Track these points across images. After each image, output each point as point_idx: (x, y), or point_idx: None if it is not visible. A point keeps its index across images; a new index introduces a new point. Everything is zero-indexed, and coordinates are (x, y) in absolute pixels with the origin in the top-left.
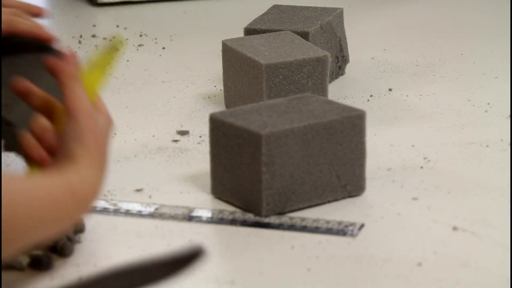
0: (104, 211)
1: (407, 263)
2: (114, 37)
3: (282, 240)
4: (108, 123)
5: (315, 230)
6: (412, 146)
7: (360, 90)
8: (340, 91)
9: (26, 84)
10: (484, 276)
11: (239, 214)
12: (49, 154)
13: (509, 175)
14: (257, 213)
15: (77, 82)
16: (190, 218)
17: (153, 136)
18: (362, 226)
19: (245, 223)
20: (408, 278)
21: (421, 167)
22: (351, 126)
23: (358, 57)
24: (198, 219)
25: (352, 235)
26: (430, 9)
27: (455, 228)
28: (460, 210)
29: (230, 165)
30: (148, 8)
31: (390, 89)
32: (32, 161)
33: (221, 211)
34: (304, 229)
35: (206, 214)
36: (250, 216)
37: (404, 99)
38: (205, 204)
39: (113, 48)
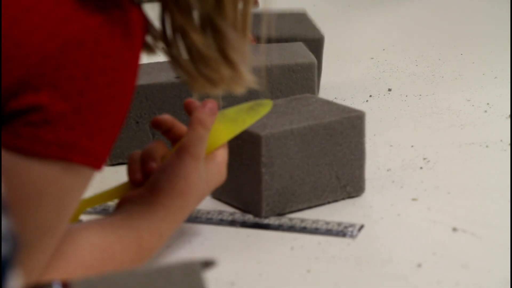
0: (104, 212)
1: (407, 264)
2: (262, 102)
3: (282, 241)
4: (218, 177)
5: (315, 231)
6: (412, 146)
7: (359, 90)
8: (339, 91)
9: (168, 118)
10: (484, 277)
11: (238, 215)
12: (145, 176)
13: (509, 175)
14: (257, 214)
15: (203, 129)
16: (189, 219)
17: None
18: (361, 227)
19: (244, 224)
20: (408, 279)
21: (421, 168)
22: (350, 126)
23: (358, 57)
24: (198, 220)
25: (352, 236)
26: (430, 9)
27: (455, 229)
28: (460, 210)
29: (230, 166)
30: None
31: (389, 89)
32: (128, 178)
33: (220, 212)
34: (303, 230)
35: (205, 215)
36: (249, 217)
37: (404, 99)
38: (204, 205)
39: (257, 112)
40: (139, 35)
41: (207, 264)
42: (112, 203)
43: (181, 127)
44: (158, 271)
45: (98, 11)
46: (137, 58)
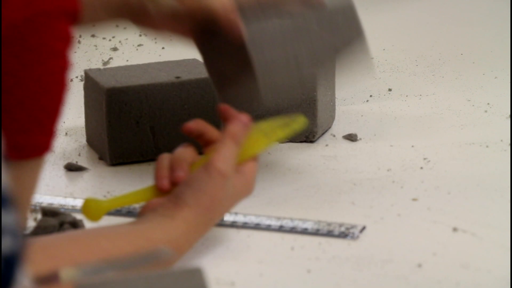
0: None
1: (407, 264)
2: (297, 118)
3: (282, 242)
4: (244, 190)
5: (316, 232)
6: (412, 146)
7: (360, 90)
8: (339, 91)
9: (199, 125)
10: (484, 277)
11: (240, 216)
12: (172, 184)
13: (509, 175)
14: None
15: (234, 144)
16: None
17: None
18: (363, 228)
19: (245, 225)
20: (408, 279)
21: (421, 168)
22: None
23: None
24: None
25: (353, 237)
26: (430, 9)
27: (455, 229)
28: (460, 211)
29: None
30: None
31: (389, 89)
32: (155, 183)
33: None
34: (305, 231)
35: None
36: (250, 218)
37: (404, 99)
38: None
39: (291, 128)
40: (68, 20)
41: (158, 254)
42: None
43: (213, 132)
44: (161, 275)
45: (25, 4)
46: (67, 44)
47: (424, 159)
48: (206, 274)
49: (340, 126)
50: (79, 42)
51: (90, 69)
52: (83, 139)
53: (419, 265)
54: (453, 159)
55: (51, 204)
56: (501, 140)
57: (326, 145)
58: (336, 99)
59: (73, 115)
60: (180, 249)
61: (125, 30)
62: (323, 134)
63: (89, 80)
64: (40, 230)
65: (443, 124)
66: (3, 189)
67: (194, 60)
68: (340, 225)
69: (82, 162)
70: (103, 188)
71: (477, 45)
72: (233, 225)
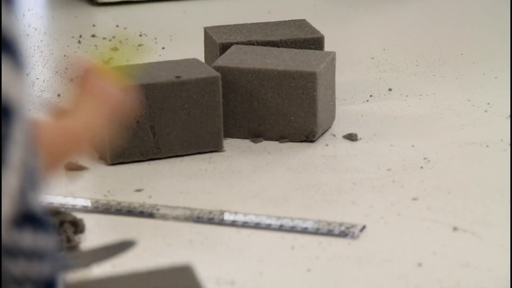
0: (105, 211)
1: (407, 263)
2: (113, 37)
3: (282, 241)
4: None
5: (316, 231)
6: (412, 146)
7: (360, 90)
8: (340, 91)
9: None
10: (484, 276)
11: (240, 215)
12: None
13: (509, 175)
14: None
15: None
16: (191, 219)
17: None
18: (363, 228)
19: (246, 225)
20: (408, 278)
21: (421, 167)
22: None
23: (358, 57)
24: (200, 220)
25: (353, 237)
26: (430, 9)
27: (455, 229)
28: (460, 210)
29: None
30: (148, 8)
31: (390, 89)
32: None
33: (222, 212)
34: (305, 230)
35: (207, 215)
36: (251, 217)
37: (404, 99)
38: (206, 205)
39: (111, 47)
40: None
41: (126, 245)
42: (115, 203)
43: None
44: (151, 273)
45: None
46: None
47: (424, 159)
48: (195, 270)
49: (340, 126)
50: (79, 42)
51: None
52: None
53: (419, 264)
54: (453, 159)
55: (51, 203)
56: (501, 140)
57: (326, 145)
58: (336, 99)
59: None
60: (89, 130)
61: (125, 30)
62: (323, 133)
63: None
64: None
65: (443, 124)
66: (43, 213)
67: (194, 60)
68: (340, 224)
69: (82, 162)
70: (103, 187)
71: (477, 45)
72: (233, 224)
